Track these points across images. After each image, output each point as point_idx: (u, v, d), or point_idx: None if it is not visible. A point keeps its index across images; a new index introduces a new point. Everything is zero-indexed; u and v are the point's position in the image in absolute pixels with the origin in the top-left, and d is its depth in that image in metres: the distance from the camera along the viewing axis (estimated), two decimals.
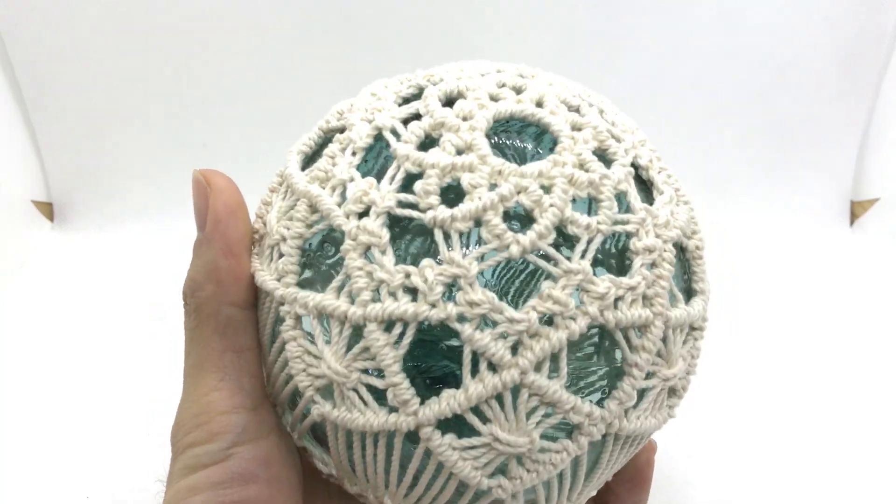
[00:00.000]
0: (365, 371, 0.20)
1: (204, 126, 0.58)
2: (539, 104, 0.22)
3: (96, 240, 0.57)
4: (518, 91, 0.23)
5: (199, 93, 0.57)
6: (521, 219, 0.20)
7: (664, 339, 0.21)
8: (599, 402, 0.21)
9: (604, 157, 0.22)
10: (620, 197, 0.21)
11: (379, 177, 0.21)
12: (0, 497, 0.38)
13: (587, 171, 0.20)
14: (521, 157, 0.23)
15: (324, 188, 0.21)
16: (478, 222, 0.20)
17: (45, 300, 0.52)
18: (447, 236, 0.19)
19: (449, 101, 0.22)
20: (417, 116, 0.22)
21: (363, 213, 0.20)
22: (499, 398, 0.19)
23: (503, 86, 0.23)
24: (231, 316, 0.22)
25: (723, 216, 0.59)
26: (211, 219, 0.22)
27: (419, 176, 0.20)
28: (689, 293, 0.24)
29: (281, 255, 0.22)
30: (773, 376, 0.46)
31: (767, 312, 0.51)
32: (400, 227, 0.21)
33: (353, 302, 0.20)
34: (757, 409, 0.44)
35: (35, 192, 0.58)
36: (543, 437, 0.20)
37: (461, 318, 0.19)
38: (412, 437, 0.20)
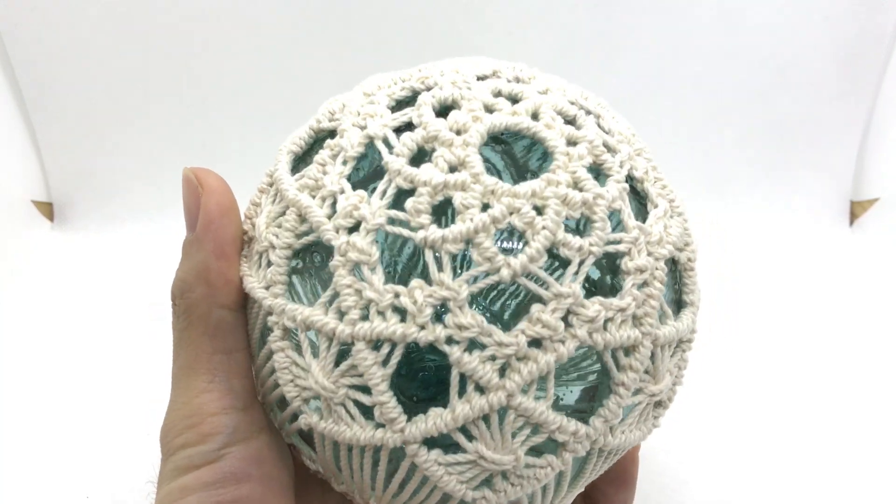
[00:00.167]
0: (352, 387, 0.20)
1: (203, 126, 0.58)
2: (535, 116, 0.21)
3: (96, 240, 0.57)
4: (514, 100, 0.22)
5: (199, 93, 0.57)
6: (512, 238, 0.20)
7: (652, 357, 0.21)
8: (584, 419, 0.21)
9: (599, 172, 0.21)
10: (614, 215, 0.21)
11: (369, 187, 0.21)
12: (0, 497, 0.38)
13: (581, 190, 0.20)
14: (515, 165, 0.23)
15: (314, 197, 0.21)
16: (469, 243, 0.19)
17: (45, 300, 0.52)
18: (438, 257, 0.19)
19: (443, 109, 0.22)
20: (410, 125, 0.21)
21: (353, 228, 0.20)
22: (485, 418, 0.20)
23: (499, 94, 0.22)
24: (221, 318, 0.22)
25: (723, 216, 0.59)
26: (203, 219, 0.22)
27: (411, 192, 0.20)
28: (679, 304, 0.23)
29: (269, 264, 0.22)
30: (772, 376, 0.46)
31: (767, 312, 0.51)
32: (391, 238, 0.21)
33: (341, 319, 0.20)
34: (756, 408, 0.44)
35: (35, 192, 0.58)
36: (528, 453, 0.20)
37: (450, 341, 0.19)
38: (398, 450, 0.20)
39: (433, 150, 0.20)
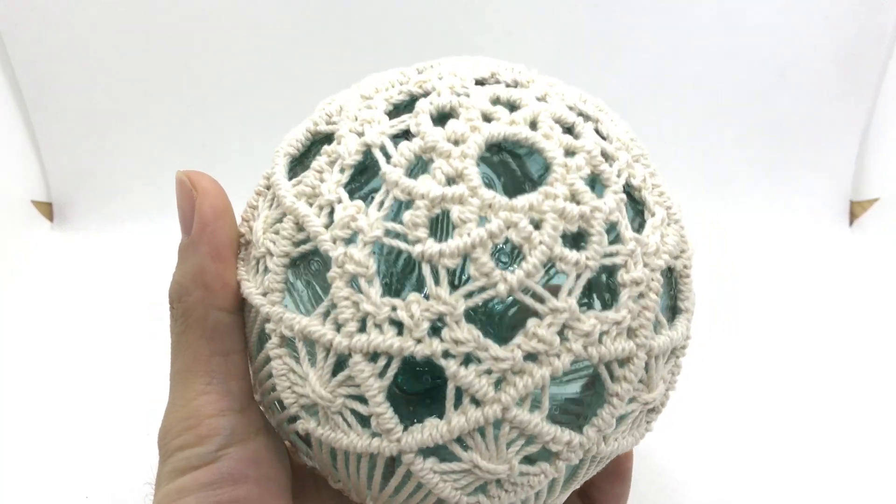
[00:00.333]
0: (349, 396, 0.20)
1: (203, 126, 0.58)
2: (533, 124, 0.21)
3: (96, 240, 0.57)
4: (512, 107, 0.22)
5: (199, 93, 0.57)
6: (509, 252, 0.20)
7: (646, 367, 0.22)
8: (578, 427, 0.21)
9: (596, 182, 0.21)
10: (611, 228, 0.21)
11: (366, 194, 0.21)
12: (0, 497, 0.38)
13: (579, 202, 0.20)
14: (512, 174, 0.23)
15: (311, 205, 0.21)
16: (466, 258, 0.19)
17: (45, 300, 0.52)
18: (435, 271, 0.19)
19: (441, 117, 0.21)
20: (408, 132, 0.21)
21: (350, 239, 0.20)
22: (480, 430, 0.20)
23: (497, 101, 0.22)
24: (219, 320, 0.22)
25: (723, 216, 0.59)
26: (198, 222, 0.22)
27: (408, 203, 0.20)
28: (674, 311, 0.24)
29: (266, 270, 0.22)
30: (771, 376, 0.46)
31: (766, 313, 0.51)
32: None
33: (338, 330, 0.20)
34: (755, 408, 0.44)
35: (35, 192, 0.58)
36: (522, 461, 0.21)
37: (446, 355, 0.19)
38: (394, 458, 0.21)
39: (431, 160, 0.20)
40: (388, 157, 0.21)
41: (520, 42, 0.57)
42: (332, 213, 0.21)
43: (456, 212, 0.19)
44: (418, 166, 0.21)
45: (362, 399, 0.20)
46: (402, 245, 0.20)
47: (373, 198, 0.20)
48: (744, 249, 0.57)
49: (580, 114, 0.23)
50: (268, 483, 0.22)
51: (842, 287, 0.54)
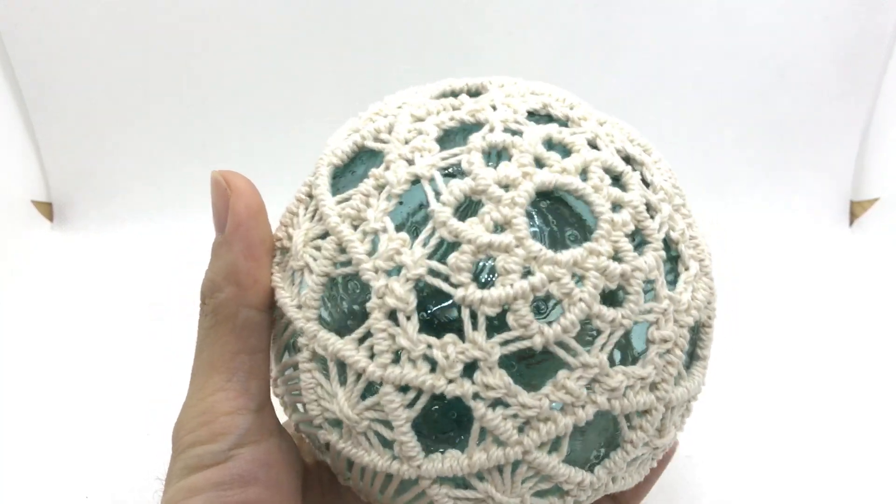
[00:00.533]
0: (375, 420, 0.21)
1: (204, 126, 0.58)
2: (584, 173, 0.21)
3: (96, 240, 0.57)
4: (565, 151, 0.22)
5: (199, 93, 0.57)
6: (544, 299, 0.21)
7: (662, 417, 0.22)
8: (590, 468, 0.22)
9: (638, 237, 0.21)
10: (648, 286, 0.21)
11: (412, 227, 0.21)
12: (0, 497, 0.38)
13: (621, 261, 0.20)
14: (556, 220, 0.23)
15: (355, 228, 0.21)
16: (506, 308, 0.20)
17: (45, 300, 0.52)
18: (473, 316, 0.19)
19: (493, 152, 0.22)
20: (459, 167, 0.21)
21: (392, 272, 0.20)
22: (499, 468, 0.20)
23: (549, 142, 0.22)
24: (249, 318, 0.22)
25: (723, 216, 0.59)
26: (232, 221, 0.22)
27: (454, 245, 0.20)
28: (692, 357, 0.24)
29: (303, 284, 0.22)
30: (772, 376, 0.46)
31: (767, 313, 0.51)
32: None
33: (372, 359, 0.20)
34: (757, 408, 0.44)
35: (35, 192, 0.58)
36: (534, 495, 0.21)
37: (476, 397, 0.20)
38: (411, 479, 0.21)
39: (480, 202, 0.20)
40: (437, 193, 0.21)
41: (520, 42, 0.57)
42: (375, 240, 0.21)
43: (501, 261, 0.20)
44: (467, 206, 0.21)
45: (388, 424, 0.20)
46: (444, 286, 0.20)
47: (415, 227, 0.21)
48: (744, 249, 0.57)
49: (627, 158, 0.23)
50: (278, 487, 0.22)
51: (842, 287, 0.54)
